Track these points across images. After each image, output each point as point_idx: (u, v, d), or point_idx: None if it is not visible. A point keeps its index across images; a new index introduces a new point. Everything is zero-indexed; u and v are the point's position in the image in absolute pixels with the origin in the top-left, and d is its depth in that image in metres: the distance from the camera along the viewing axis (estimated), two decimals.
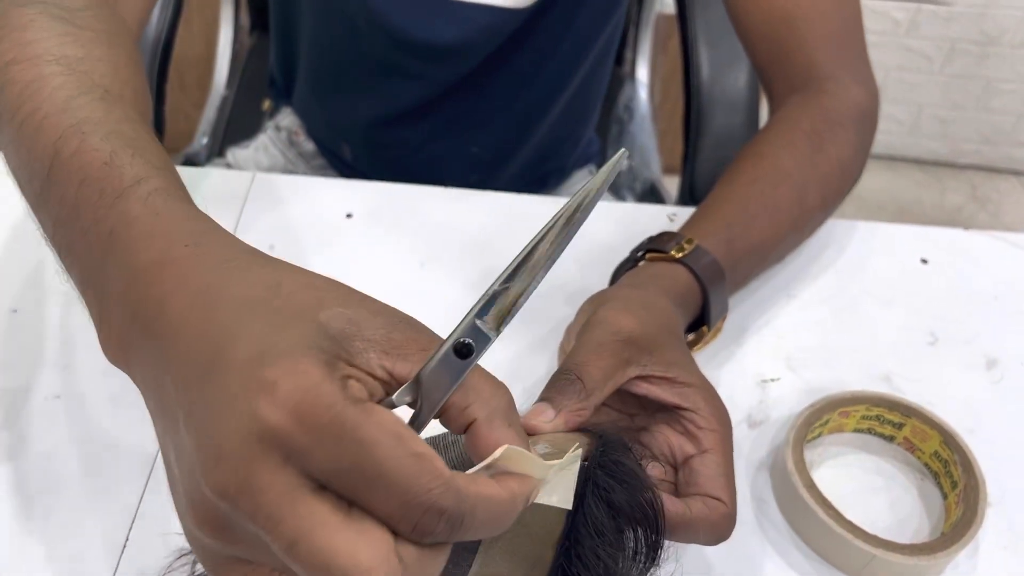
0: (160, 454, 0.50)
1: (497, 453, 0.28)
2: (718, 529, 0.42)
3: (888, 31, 1.98)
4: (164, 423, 0.29)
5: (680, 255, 0.54)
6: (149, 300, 0.31)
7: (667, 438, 0.45)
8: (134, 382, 0.33)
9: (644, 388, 0.44)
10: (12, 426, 0.51)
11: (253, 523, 0.24)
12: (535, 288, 0.31)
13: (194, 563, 0.44)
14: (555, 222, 0.31)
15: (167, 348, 0.29)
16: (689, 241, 0.54)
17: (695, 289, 0.54)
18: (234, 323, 0.28)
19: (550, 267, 0.31)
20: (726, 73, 0.92)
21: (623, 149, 0.34)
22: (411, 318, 0.31)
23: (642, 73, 1.17)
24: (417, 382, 0.29)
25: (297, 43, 0.88)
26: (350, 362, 0.28)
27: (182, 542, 0.45)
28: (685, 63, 1.00)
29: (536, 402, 0.41)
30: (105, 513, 0.47)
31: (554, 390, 0.41)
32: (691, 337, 0.57)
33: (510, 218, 0.68)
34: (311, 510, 0.24)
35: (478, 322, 0.30)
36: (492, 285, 0.30)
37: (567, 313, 0.60)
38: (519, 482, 0.28)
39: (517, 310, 0.30)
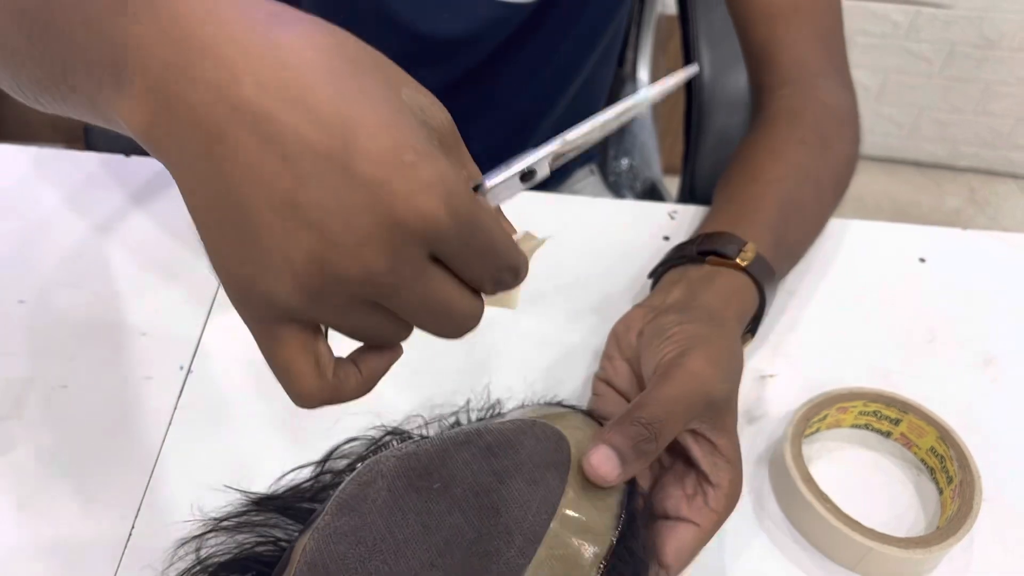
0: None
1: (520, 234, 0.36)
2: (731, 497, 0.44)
3: (888, 33, 1.99)
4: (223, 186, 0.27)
5: (745, 264, 0.53)
6: (202, 37, 0.27)
7: (670, 494, 0.44)
8: (163, 150, 0.28)
9: (689, 443, 0.44)
10: (19, 416, 0.51)
11: (393, 296, 0.29)
12: (583, 147, 0.34)
13: (198, 550, 0.44)
14: (612, 112, 0.34)
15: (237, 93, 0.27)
16: (748, 247, 0.53)
17: (756, 302, 0.53)
18: (337, 95, 0.27)
19: (596, 138, 0.34)
20: (727, 73, 0.93)
21: (694, 64, 0.38)
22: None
23: (643, 73, 1.17)
24: (479, 187, 0.32)
25: None
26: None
27: (186, 532, 0.46)
28: (686, 63, 1.00)
29: (603, 445, 0.39)
30: (110, 503, 0.48)
31: (627, 439, 0.40)
32: None
33: (510, 214, 0.68)
34: (439, 275, 0.29)
35: (543, 157, 0.33)
36: (559, 136, 0.34)
37: (566, 307, 0.60)
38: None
39: (568, 158, 0.34)
